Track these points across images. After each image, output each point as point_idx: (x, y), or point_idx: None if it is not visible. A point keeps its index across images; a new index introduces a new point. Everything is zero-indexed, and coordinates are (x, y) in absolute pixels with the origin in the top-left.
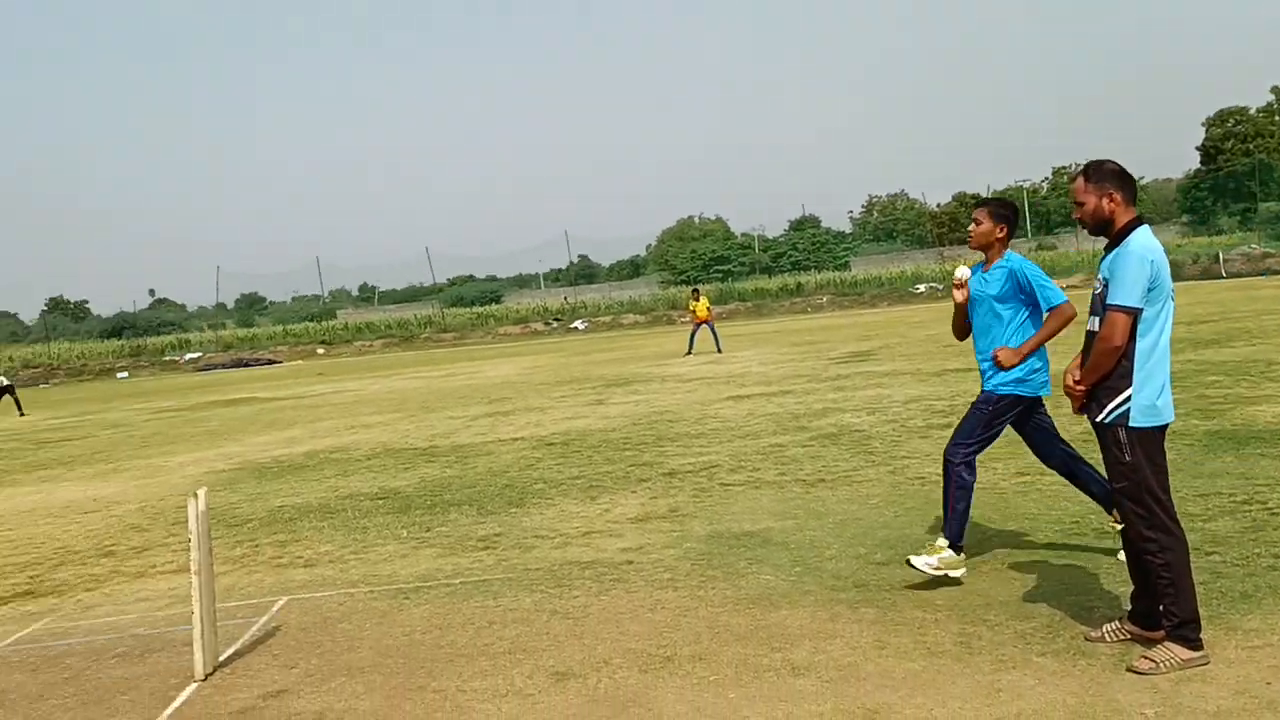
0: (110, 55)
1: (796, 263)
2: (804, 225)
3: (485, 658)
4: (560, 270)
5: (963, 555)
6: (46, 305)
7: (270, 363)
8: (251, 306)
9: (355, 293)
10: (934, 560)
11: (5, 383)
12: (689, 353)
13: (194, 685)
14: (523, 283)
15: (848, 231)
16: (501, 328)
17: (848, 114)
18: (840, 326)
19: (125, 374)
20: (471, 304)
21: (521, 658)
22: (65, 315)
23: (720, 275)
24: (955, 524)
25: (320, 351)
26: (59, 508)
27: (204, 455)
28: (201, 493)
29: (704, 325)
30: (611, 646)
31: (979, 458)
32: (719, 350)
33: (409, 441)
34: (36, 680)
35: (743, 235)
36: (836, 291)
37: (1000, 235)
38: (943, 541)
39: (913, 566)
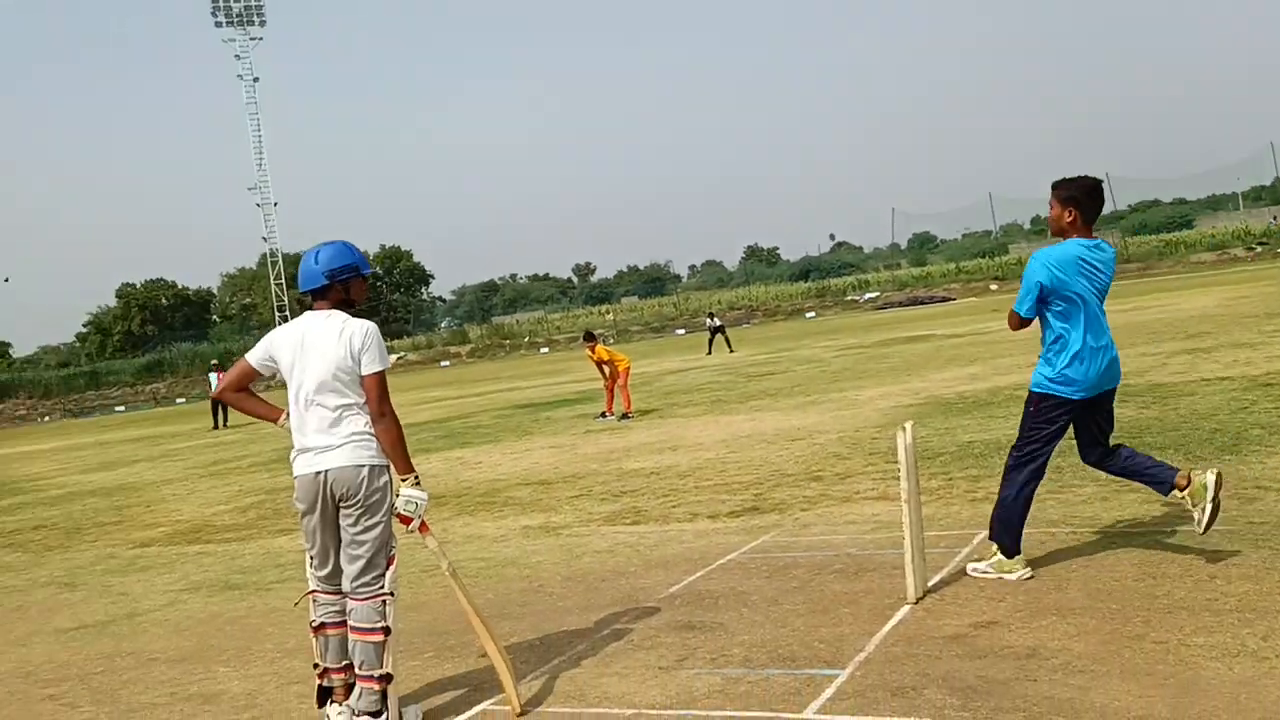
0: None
1: None
2: None
3: (1209, 613)
4: (1263, 188)
5: (1018, 558)
6: (744, 253)
7: (944, 300)
8: (923, 246)
9: (1027, 226)
10: (983, 565)
11: (718, 323)
12: None
13: (907, 607)
14: (1217, 204)
15: None
16: (1193, 255)
17: None
18: None
19: (812, 314)
20: (1156, 231)
21: (1251, 617)
22: (760, 261)
23: None
24: (1007, 535)
25: (993, 287)
26: (770, 434)
27: (890, 390)
28: (909, 426)
29: None
30: None
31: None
32: None
33: None
34: (771, 586)
35: None
36: None
37: (1069, 220)
38: (994, 548)
39: (969, 574)
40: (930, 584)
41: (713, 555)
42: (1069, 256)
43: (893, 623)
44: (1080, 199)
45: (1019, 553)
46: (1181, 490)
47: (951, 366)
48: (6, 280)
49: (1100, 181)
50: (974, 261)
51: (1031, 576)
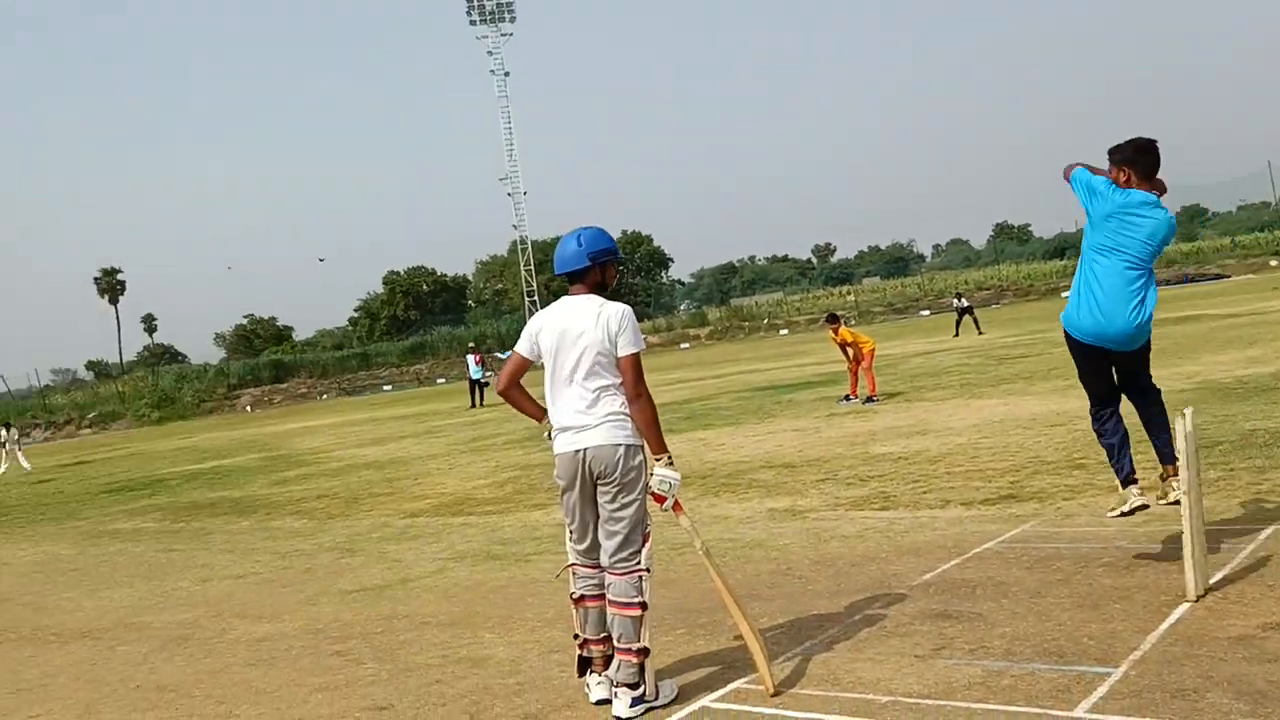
0: None
1: None
2: None
3: None
4: None
5: (1132, 487)
6: (993, 231)
7: (1217, 278)
8: (1194, 220)
9: None
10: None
11: (965, 304)
12: None
13: (1186, 605)
14: None
15: None
16: None
17: None
18: None
19: (1068, 293)
20: None
21: None
22: (1010, 239)
23: None
24: (1118, 466)
25: (1274, 264)
26: (1025, 419)
27: (1159, 374)
28: (1188, 413)
29: None
30: None
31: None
32: None
33: None
34: (1032, 577)
35: None
36: None
37: (1125, 180)
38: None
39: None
40: (1212, 581)
41: (968, 543)
42: (1119, 200)
43: (1170, 621)
44: (1132, 156)
45: (1131, 483)
46: (1163, 480)
47: (1229, 349)
48: (321, 260)
49: (1152, 140)
50: (1251, 236)
51: (1145, 505)
